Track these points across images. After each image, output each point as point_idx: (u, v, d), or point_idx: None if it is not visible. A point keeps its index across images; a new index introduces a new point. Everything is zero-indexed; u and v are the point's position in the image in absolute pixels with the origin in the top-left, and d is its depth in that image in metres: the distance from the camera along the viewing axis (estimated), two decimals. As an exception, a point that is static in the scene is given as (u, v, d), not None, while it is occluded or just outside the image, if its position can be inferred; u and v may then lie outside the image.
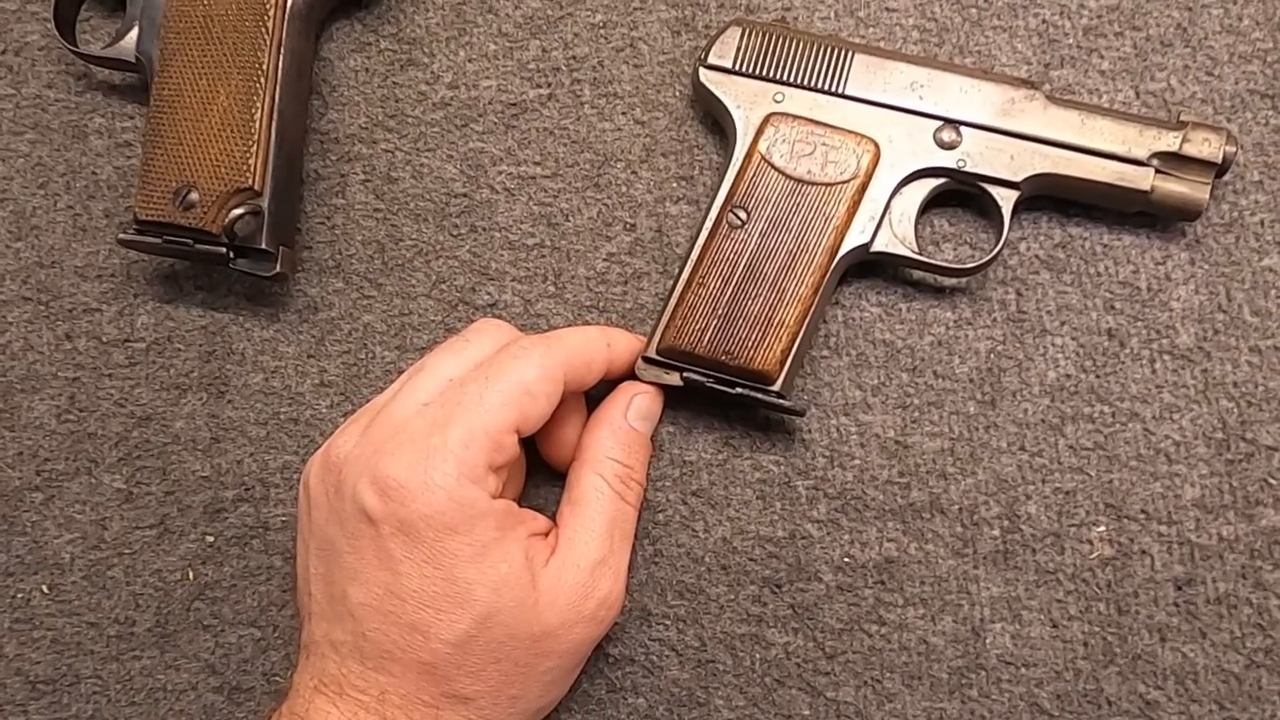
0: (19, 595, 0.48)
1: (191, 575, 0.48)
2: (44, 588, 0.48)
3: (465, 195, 0.49)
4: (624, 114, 0.49)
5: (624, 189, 0.48)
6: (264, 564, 0.47)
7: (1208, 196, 0.43)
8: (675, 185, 0.48)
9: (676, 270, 0.46)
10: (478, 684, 0.38)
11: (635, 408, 0.44)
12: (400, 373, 0.47)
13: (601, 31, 0.49)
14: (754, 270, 0.43)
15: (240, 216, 0.45)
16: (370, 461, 0.38)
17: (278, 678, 0.47)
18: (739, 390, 0.43)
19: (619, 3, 0.49)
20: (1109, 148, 0.43)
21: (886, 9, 0.48)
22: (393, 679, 0.38)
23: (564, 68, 0.49)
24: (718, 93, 0.45)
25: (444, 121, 0.49)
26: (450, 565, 0.38)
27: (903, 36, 0.48)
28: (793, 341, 0.43)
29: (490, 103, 0.49)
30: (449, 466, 0.38)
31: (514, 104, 0.49)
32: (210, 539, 0.48)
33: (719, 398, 0.44)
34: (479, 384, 0.39)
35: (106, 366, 0.49)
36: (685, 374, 0.43)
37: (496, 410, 0.39)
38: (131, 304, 0.50)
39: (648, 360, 0.44)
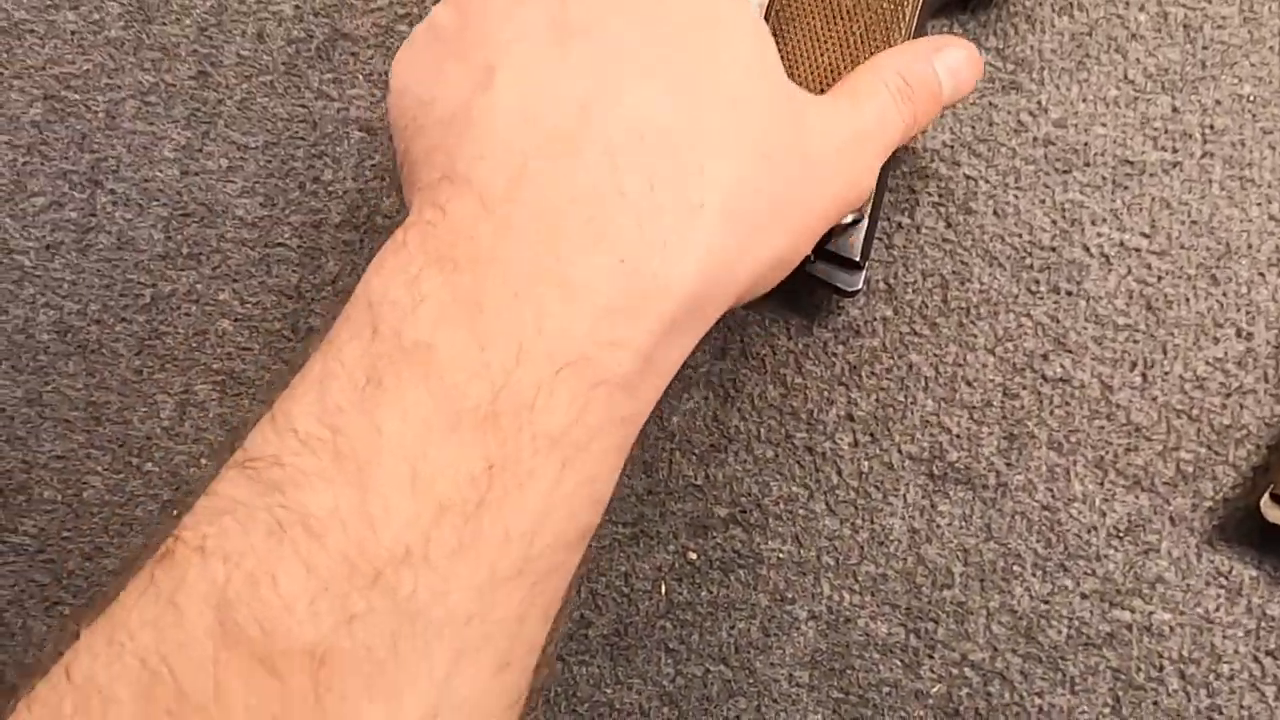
0: (464, 560, 0.44)
1: (664, 590, 0.43)
2: (493, 559, 0.44)
3: (1053, 250, 0.43)
4: (1259, 205, 0.43)
5: (1244, 290, 0.42)
6: (747, 599, 0.43)
7: None
8: (1306, 300, 0.42)
9: (1305, 399, 0.41)
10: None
11: (946, 58, 0.36)
12: (941, 428, 0.42)
13: (1249, 106, 0.43)
14: None
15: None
16: None
17: (736, 726, 0.42)
18: (1391, 563, 0.37)
19: (1277, 76, 0.43)
20: None
21: None
22: None
23: (1197, 136, 0.43)
24: None
25: (1042, 161, 0.44)
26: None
27: None
28: None
29: (1101, 153, 0.44)
30: None
31: (1129, 161, 0.44)
32: (693, 555, 0.43)
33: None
34: None
35: (605, 336, 0.44)
36: (1328, 526, 0.38)
37: None
38: (645, 274, 0.45)
39: (1276, 498, 0.39)
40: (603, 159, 0.27)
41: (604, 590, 0.43)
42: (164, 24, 0.48)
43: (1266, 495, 0.39)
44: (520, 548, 0.25)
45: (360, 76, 0.47)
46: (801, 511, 0.43)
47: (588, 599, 0.43)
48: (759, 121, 0.30)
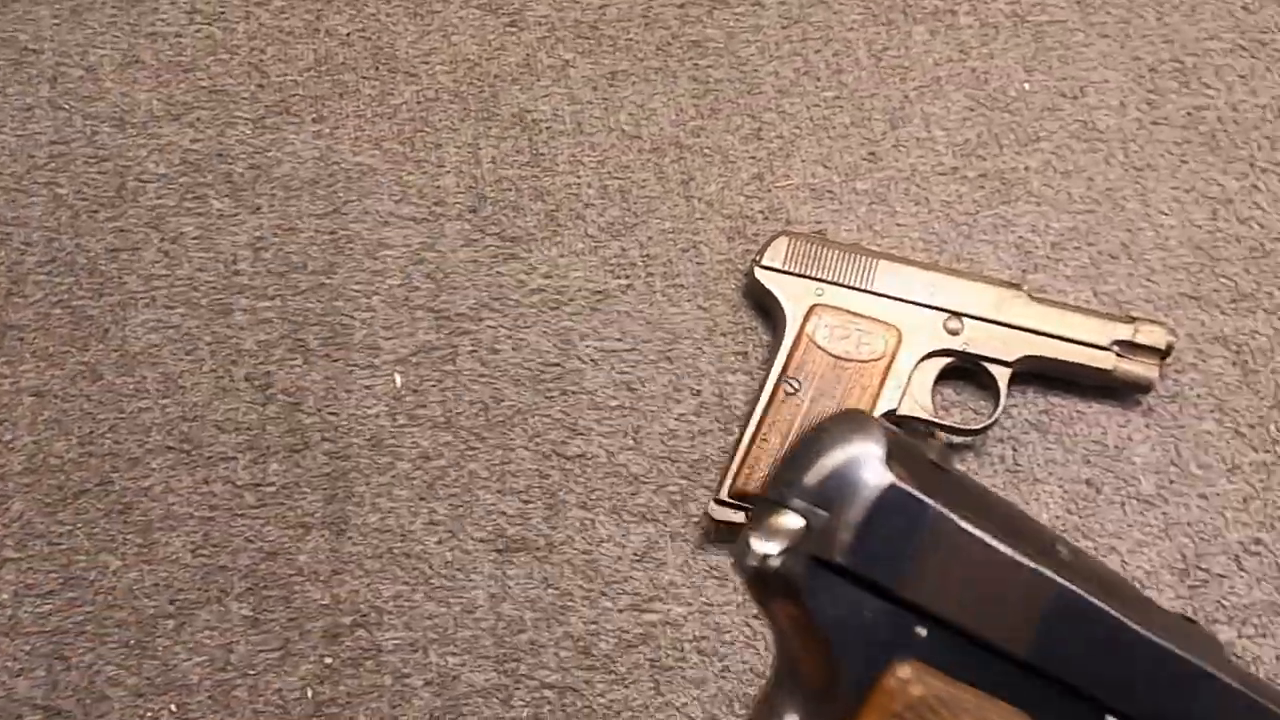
0: (148, 715, 0.53)
1: (310, 694, 0.54)
2: (172, 707, 0.54)
3: (558, 365, 0.59)
4: (689, 301, 0.60)
5: (691, 362, 0.59)
6: (376, 683, 0.54)
7: (1157, 375, 0.55)
8: (733, 359, 0.58)
9: (738, 429, 0.56)
10: None
11: None
12: (500, 514, 0.56)
13: (670, 236, 0.61)
14: (806, 430, 0.53)
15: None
16: None
17: (385, 789, 0.52)
18: (798, 526, 0.52)
19: (683, 214, 0.61)
20: (1079, 335, 0.55)
21: (897, 225, 0.61)
22: None
23: (640, 263, 0.61)
24: (770, 287, 0.57)
25: (540, 304, 0.60)
26: None
27: (910, 246, 0.60)
28: (841, 486, 0.52)
29: (579, 290, 0.60)
30: None
31: (599, 291, 0.60)
32: (328, 660, 0.54)
33: (777, 534, 0.53)
34: None
35: (239, 507, 0.57)
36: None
37: None
38: (264, 454, 0.58)
39: (719, 502, 0.53)
40: None
41: (263, 708, 0.53)
42: None
43: (712, 501, 0.53)
44: None
45: None
46: (407, 604, 0.55)
47: (251, 717, 0.53)
48: None
